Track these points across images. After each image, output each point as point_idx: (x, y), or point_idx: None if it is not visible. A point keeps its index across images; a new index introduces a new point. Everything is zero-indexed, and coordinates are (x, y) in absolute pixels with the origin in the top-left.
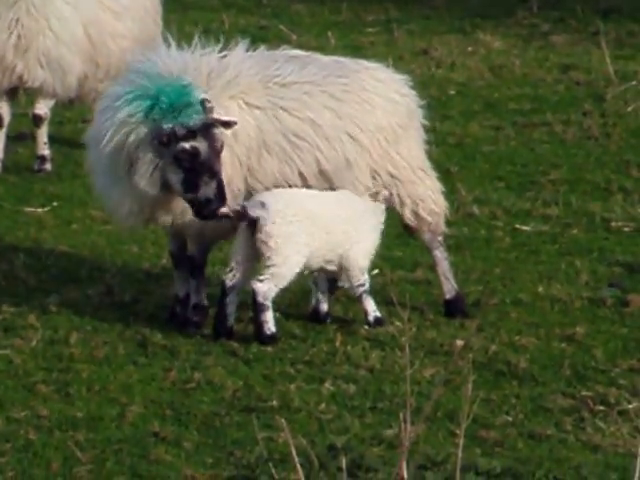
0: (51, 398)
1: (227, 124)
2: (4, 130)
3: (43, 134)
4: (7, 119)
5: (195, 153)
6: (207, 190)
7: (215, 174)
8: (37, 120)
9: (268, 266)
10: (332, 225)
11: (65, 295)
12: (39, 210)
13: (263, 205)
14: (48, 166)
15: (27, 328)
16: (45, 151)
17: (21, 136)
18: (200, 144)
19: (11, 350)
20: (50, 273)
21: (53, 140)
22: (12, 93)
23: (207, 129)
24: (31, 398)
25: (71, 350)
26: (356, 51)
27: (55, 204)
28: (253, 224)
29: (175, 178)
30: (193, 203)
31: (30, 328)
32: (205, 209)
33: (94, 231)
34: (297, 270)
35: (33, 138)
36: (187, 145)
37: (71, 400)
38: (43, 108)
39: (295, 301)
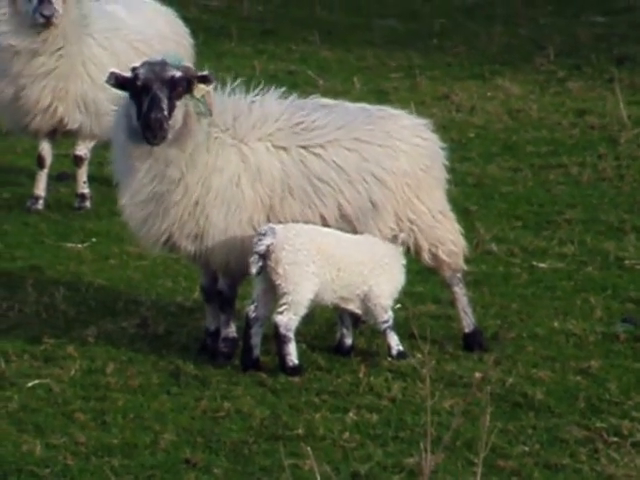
0: (88, 425)
1: (205, 79)
2: (46, 170)
3: (83, 174)
4: (49, 160)
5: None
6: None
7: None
8: (78, 161)
9: (282, 295)
10: (344, 264)
11: (102, 327)
12: (79, 246)
13: (273, 233)
14: (88, 204)
15: (66, 358)
16: (85, 190)
17: (62, 176)
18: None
19: (51, 379)
20: (88, 306)
21: (92, 180)
22: (52, 135)
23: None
24: (69, 425)
25: (107, 379)
26: (380, 96)
27: (94, 240)
28: (266, 256)
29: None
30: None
31: (69, 358)
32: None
33: (130, 266)
34: (310, 296)
35: (74, 178)
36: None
37: (107, 427)
38: (83, 149)
39: (321, 334)
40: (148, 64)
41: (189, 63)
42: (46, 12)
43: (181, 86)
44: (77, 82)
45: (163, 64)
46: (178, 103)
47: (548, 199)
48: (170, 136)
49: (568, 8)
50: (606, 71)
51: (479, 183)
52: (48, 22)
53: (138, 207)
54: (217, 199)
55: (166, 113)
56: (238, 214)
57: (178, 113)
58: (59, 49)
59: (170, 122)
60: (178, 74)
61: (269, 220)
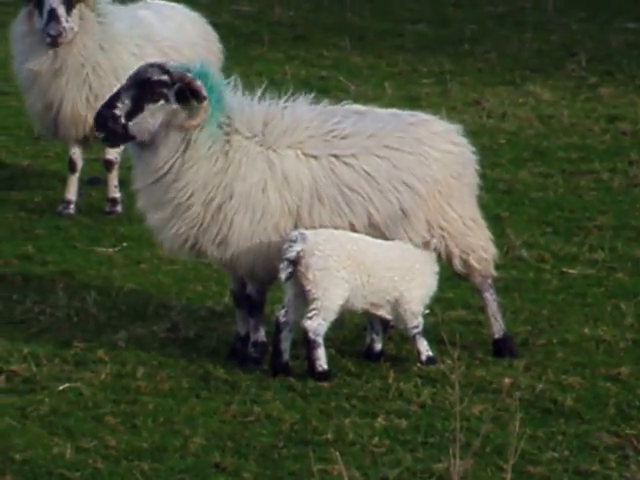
0: (118, 429)
1: (195, 92)
2: (77, 174)
3: (114, 178)
4: (80, 164)
5: None
6: None
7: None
8: (108, 165)
9: (312, 300)
10: (374, 270)
11: (133, 331)
12: (110, 250)
13: (304, 238)
14: (119, 208)
15: (97, 362)
16: (116, 194)
17: (93, 180)
18: None
19: (81, 383)
20: (119, 310)
21: (123, 184)
22: (85, 142)
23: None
24: (100, 429)
25: (138, 383)
26: (411, 101)
27: (125, 244)
28: (297, 261)
29: None
30: None
31: (99, 362)
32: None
33: (161, 270)
34: (340, 302)
35: (105, 182)
36: None
37: (137, 431)
38: (114, 153)
39: (350, 339)
40: (144, 64)
41: (214, 73)
42: (52, 32)
43: (157, 90)
44: (107, 91)
45: (153, 66)
46: (150, 107)
47: (579, 205)
48: (143, 139)
49: (600, 14)
50: (638, 77)
51: (510, 189)
52: (55, 42)
53: (151, 210)
54: (241, 205)
55: (117, 112)
56: (264, 220)
57: (151, 117)
58: (82, 65)
59: (131, 123)
60: (156, 78)
61: (296, 227)
